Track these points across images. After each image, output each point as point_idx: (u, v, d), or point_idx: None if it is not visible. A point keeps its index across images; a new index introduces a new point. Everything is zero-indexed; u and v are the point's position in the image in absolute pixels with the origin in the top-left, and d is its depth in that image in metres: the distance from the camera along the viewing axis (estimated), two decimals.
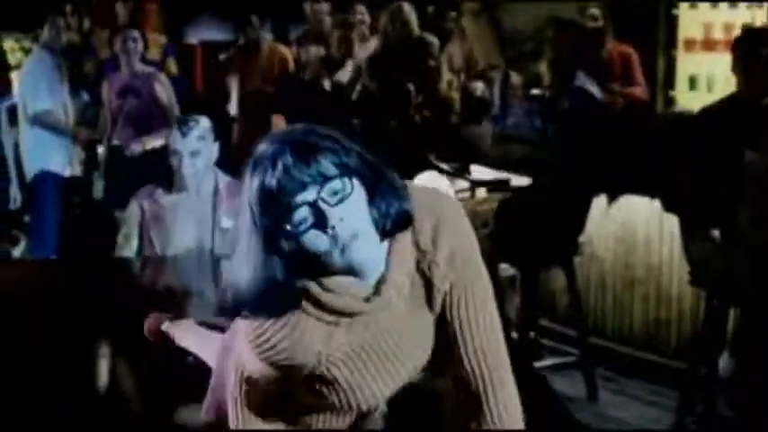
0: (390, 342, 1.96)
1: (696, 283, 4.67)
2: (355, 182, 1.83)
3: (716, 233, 4.47)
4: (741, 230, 4.32)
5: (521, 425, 1.99)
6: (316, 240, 1.81)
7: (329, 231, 1.79)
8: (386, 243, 1.90)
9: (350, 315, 1.91)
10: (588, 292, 5.88)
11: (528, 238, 5.17)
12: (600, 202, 5.64)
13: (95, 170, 7.15)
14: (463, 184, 5.76)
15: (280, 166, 1.79)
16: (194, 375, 2.72)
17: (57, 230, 6.76)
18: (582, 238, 5.40)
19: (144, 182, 4.36)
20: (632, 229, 5.68)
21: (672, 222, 5.12)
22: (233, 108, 7.75)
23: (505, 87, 7.63)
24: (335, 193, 1.80)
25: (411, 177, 5.31)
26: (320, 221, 1.79)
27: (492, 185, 5.78)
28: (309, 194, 1.79)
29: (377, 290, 1.91)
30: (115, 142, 6.79)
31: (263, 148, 1.84)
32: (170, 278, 4.08)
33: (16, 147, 7.14)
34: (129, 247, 4.18)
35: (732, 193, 4.33)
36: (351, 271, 1.87)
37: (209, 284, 4.03)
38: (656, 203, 5.42)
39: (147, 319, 3.06)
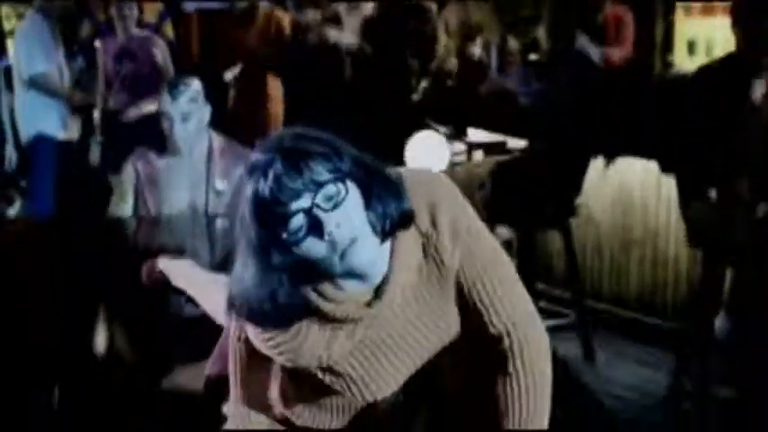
0: (395, 334, 1.95)
1: (693, 244, 4.66)
2: (350, 185, 1.81)
3: (713, 193, 4.45)
4: (740, 193, 4.31)
5: (548, 380, 2.00)
6: (313, 247, 1.79)
7: (326, 237, 1.77)
8: (388, 243, 1.89)
9: (352, 321, 1.90)
10: (585, 255, 5.88)
11: (524, 199, 5.16)
12: (597, 164, 5.63)
13: (91, 134, 7.11)
14: (460, 146, 5.75)
15: (271, 175, 1.77)
16: (190, 332, 2.71)
17: (52, 193, 6.73)
18: (579, 201, 5.39)
19: (140, 146, 4.35)
20: (629, 192, 5.68)
21: (669, 185, 5.10)
22: (229, 73, 7.71)
23: (503, 52, 7.59)
24: (330, 198, 1.79)
25: (408, 137, 5.32)
26: (316, 228, 1.78)
27: (489, 148, 5.77)
28: (304, 202, 1.77)
29: (379, 292, 1.90)
30: (111, 106, 6.76)
31: (255, 157, 1.83)
32: (165, 238, 4.06)
33: (12, 111, 7.09)
34: (124, 209, 4.17)
35: (730, 153, 4.32)
36: (352, 275, 1.86)
37: (204, 245, 4.02)
38: (654, 165, 5.41)
39: (146, 264, 3.04)
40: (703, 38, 6.91)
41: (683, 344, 4.77)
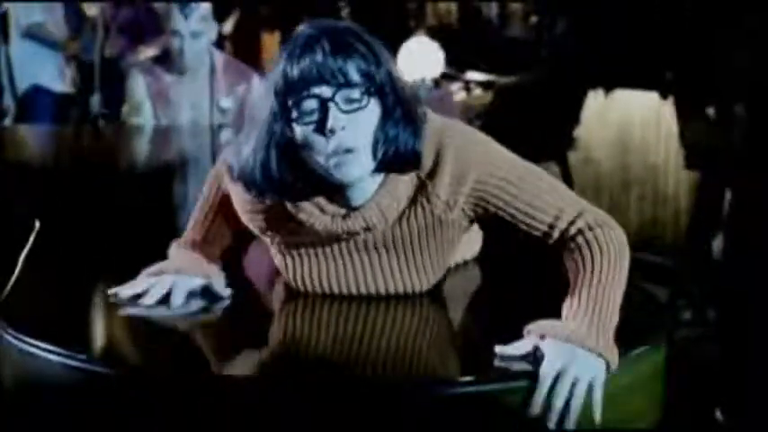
0: (375, 259, 1.92)
1: (690, 165, 4.68)
2: (373, 101, 1.76)
3: (710, 111, 4.47)
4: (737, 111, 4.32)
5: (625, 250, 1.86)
6: (312, 137, 1.75)
7: (328, 134, 1.74)
8: (379, 177, 1.84)
9: (327, 237, 1.88)
10: (584, 195, 5.87)
11: (522, 129, 5.16)
12: (595, 103, 5.64)
13: (90, 84, 7.09)
14: (459, 83, 5.76)
15: (308, 51, 1.74)
16: None
17: None
18: (576, 133, 5.41)
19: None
20: (628, 131, 5.69)
21: (668, 123, 5.12)
22: (227, 25, 7.70)
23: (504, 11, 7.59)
24: (350, 101, 1.75)
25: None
26: (323, 121, 1.74)
27: (485, 85, 5.78)
28: (325, 91, 1.74)
29: (358, 209, 1.86)
30: (108, 53, 6.73)
31: (300, 30, 1.79)
32: (171, 151, 4.09)
33: (9, 61, 7.07)
34: (139, 116, 4.20)
35: (728, 71, 4.32)
36: (336, 188, 1.82)
37: (207, 157, 4.03)
38: (652, 100, 5.42)
39: None
40: None
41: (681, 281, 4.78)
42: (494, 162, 1.86)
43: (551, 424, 1.57)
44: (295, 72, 1.74)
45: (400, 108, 1.79)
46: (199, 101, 4.19)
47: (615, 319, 1.71)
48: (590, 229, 1.83)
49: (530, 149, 5.43)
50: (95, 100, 6.86)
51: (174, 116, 4.18)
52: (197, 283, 1.95)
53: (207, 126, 4.22)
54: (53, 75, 6.86)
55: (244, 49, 7.48)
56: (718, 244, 4.67)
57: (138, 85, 4.19)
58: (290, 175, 1.81)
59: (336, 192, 1.83)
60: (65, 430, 1.64)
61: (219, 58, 4.26)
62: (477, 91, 5.74)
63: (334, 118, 1.73)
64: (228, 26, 7.67)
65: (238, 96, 4.15)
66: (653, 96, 5.41)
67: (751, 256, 4.45)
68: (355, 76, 1.74)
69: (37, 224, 2.38)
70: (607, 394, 1.61)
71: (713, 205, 4.66)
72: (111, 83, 6.64)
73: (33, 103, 6.84)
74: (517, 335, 1.66)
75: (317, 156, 1.76)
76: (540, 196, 1.85)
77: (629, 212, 5.79)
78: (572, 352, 1.61)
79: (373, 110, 1.77)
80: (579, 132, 5.59)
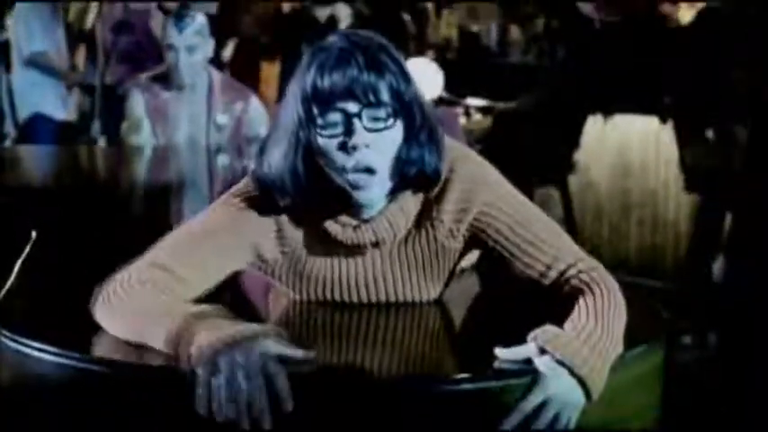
0: (380, 279, 1.91)
1: (690, 188, 4.68)
2: (398, 123, 1.74)
3: (710, 134, 4.48)
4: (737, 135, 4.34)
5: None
6: (334, 152, 1.73)
7: (350, 151, 1.71)
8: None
9: (338, 244, 1.86)
10: (584, 219, 5.89)
11: (521, 154, 5.18)
12: (595, 128, 5.65)
13: (92, 112, 7.12)
14: (459, 109, 5.78)
15: (343, 63, 1.71)
16: None
17: None
18: (576, 157, 5.42)
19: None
20: (628, 155, 5.70)
21: (668, 147, 5.13)
22: (226, 51, 7.72)
23: (504, 35, 7.62)
24: (376, 120, 1.72)
25: None
26: (347, 136, 1.71)
27: (484, 111, 5.80)
28: (352, 106, 1.71)
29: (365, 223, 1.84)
30: (108, 80, 6.76)
31: (333, 40, 1.76)
32: (169, 170, 4.08)
33: (10, 89, 7.10)
34: (139, 134, 4.19)
35: (727, 94, 4.34)
36: (349, 205, 1.80)
37: (204, 179, 4.03)
38: (652, 126, 5.43)
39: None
40: None
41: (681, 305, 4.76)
42: (500, 198, 1.85)
43: None
44: (326, 83, 1.71)
45: (425, 128, 1.78)
46: (196, 117, 4.19)
47: (617, 351, 1.67)
48: (590, 270, 1.81)
49: (529, 174, 5.47)
50: (96, 127, 6.89)
51: (172, 133, 4.17)
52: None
53: (204, 145, 4.21)
54: (55, 103, 6.88)
55: (242, 79, 7.49)
56: (718, 267, 4.67)
57: (137, 103, 4.19)
58: (316, 181, 1.78)
59: (350, 203, 1.81)
60: (60, 430, 1.63)
61: (217, 76, 4.26)
62: (477, 116, 5.76)
63: (359, 135, 1.71)
64: (227, 52, 7.71)
65: (235, 114, 4.15)
66: (652, 120, 5.43)
67: (752, 279, 4.45)
68: (385, 96, 1.72)
69: (33, 234, 2.38)
70: (606, 393, 1.60)
71: (713, 228, 4.66)
72: (111, 110, 6.67)
73: (35, 131, 6.85)
74: (518, 340, 1.64)
75: (335, 170, 1.74)
76: (541, 237, 1.84)
77: (630, 236, 5.78)
78: (562, 383, 1.58)
79: (398, 130, 1.75)
80: (579, 156, 5.59)
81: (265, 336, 1.55)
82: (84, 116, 7.14)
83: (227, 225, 1.83)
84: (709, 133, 4.51)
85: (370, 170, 1.73)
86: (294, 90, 1.77)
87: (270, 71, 7.49)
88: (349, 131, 1.71)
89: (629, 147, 5.68)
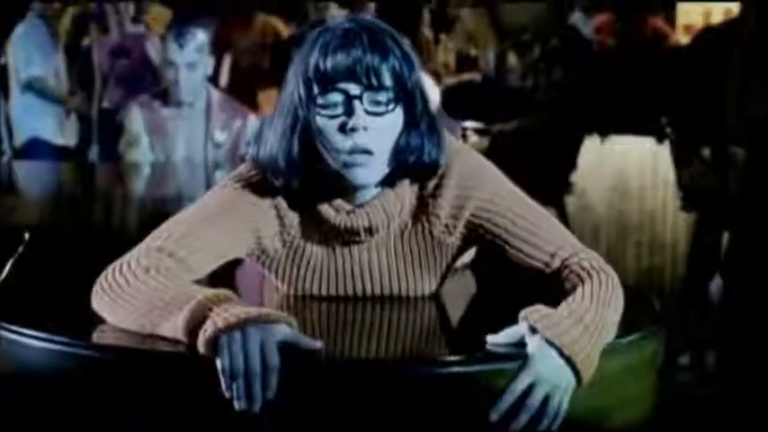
0: (375, 272, 1.90)
1: (687, 207, 4.68)
2: (399, 109, 1.74)
3: (706, 152, 4.49)
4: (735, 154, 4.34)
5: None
6: (331, 131, 1.72)
7: (349, 132, 1.71)
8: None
9: (334, 233, 1.85)
10: (582, 241, 5.87)
11: (519, 175, 5.17)
12: (592, 153, 5.67)
13: (89, 137, 7.14)
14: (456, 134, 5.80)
15: (347, 44, 1.71)
16: None
17: None
18: (574, 178, 5.43)
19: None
20: (625, 178, 5.72)
21: (665, 170, 5.14)
22: (223, 80, 7.73)
23: (502, 64, 7.64)
24: (377, 103, 1.72)
25: None
26: (346, 118, 1.71)
27: (481, 132, 5.82)
28: (354, 87, 1.71)
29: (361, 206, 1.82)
30: (105, 105, 6.77)
31: (338, 22, 1.76)
32: (167, 186, 4.10)
33: (7, 113, 7.12)
34: (137, 149, 4.21)
35: (723, 114, 4.35)
36: (344, 191, 1.80)
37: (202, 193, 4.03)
38: (649, 148, 5.45)
39: None
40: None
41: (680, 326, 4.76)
42: (499, 192, 1.84)
43: (515, 427, 1.53)
44: (329, 64, 1.70)
45: (426, 117, 1.77)
46: (195, 134, 4.22)
47: (610, 335, 1.65)
48: (591, 260, 1.80)
49: (527, 195, 5.46)
50: (94, 151, 6.90)
51: (171, 149, 4.19)
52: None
53: (201, 161, 4.23)
54: (53, 128, 6.89)
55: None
56: (715, 286, 4.66)
57: (136, 118, 4.21)
58: (311, 163, 1.77)
59: (345, 187, 1.80)
60: (54, 417, 1.62)
61: (215, 94, 4.29)
62: (474, 138, 5.77)
63: (358, 117, 1.70)
64: (223, 80, 7.72)
65: (233, 132, 4.17)
66: (649, 142, 5.45)
67: (749, 299, 4.44)
68: (387, 80, 1.72)
69: (26, 235, 2.38)
70: (599, 380, 1.58)
71: (711, 249, 4.66)
72: (108, 134, 6.68)
73: (33, 155, 6.86)
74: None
75: (332, 151, 1.73)
76: (542, 228, 1.84)
77: (627, 258, 5.78)
78: (550, 364, 1.56)
79: (398, 116, 1.75)
80: (576, 178, 5.60)
81: (278, 321, 1.54)
82: (83, 140, 7.15)
83: (227, 207, 1.80)
84: (706, 153, 4.50)
85: (366, 152, 1.72)
86: (296, 69, 1.76)
87: (266, 98, 7.49)
88: (349, 113, 1.71)
89: (626, 168, 5.70)
